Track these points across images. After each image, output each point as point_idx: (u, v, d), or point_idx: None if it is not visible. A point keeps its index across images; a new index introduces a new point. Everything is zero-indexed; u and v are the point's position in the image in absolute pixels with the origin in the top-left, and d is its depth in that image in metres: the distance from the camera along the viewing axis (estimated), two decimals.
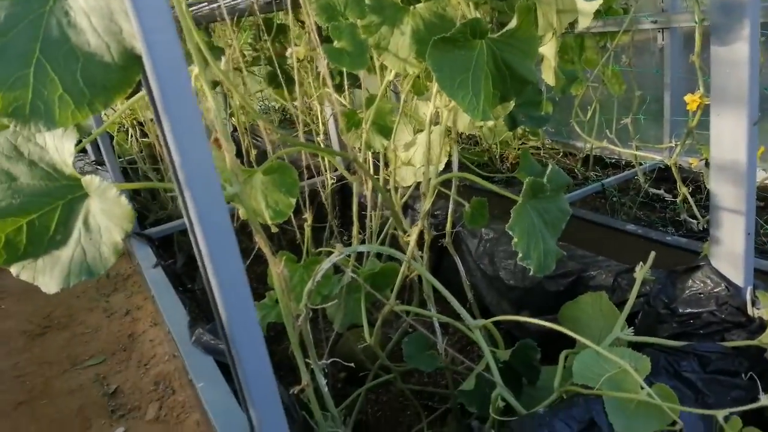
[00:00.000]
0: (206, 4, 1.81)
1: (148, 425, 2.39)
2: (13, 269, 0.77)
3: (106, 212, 0.73)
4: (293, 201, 1.24)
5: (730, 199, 1.13)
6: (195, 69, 0.95)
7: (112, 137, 3.28)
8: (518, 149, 3.18)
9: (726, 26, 1.06)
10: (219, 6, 1.82)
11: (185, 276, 2.71)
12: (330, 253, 1.25)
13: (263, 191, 1.25)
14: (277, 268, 1.04)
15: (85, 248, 0.73)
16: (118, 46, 0.57)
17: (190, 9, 1.89)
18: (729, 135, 1.10)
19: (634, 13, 2.39)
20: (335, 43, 1.18)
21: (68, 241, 0.75)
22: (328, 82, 1.07)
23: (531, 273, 1.11)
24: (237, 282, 0.68)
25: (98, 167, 3.51)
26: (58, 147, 0.77)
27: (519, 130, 3.12)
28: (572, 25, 2.92)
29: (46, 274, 0.75)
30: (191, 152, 0.59)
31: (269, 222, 1.27)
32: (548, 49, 1.33)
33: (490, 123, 1.38)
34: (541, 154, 3.11)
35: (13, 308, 3.73)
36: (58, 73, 0.56)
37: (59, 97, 0.57)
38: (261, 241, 1.03)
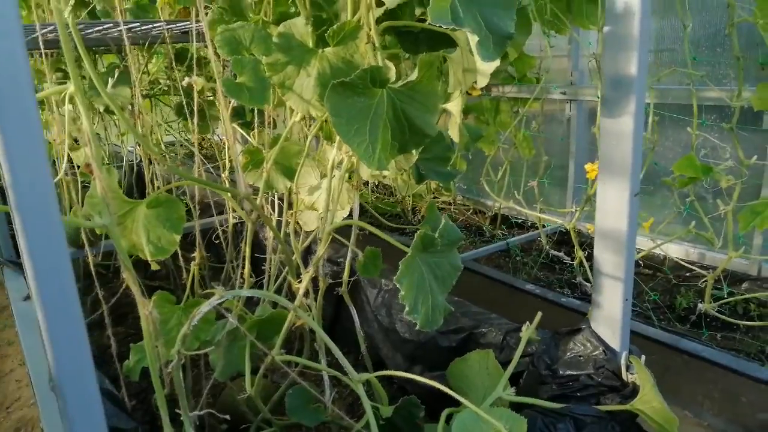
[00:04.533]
0: (114, 26, 1.73)
1: None
2: None
3: None
4: (177, 238, 1.17)
5: (610, 265, 1.17)
6: (71, 87, 0.88)
7: None
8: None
9: (615, 100, 1.12)
10: (129, 30, 1.74)
11: None
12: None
13: (146, 225, 1.17)
14: (146, 309, 0.96)
15: None
16: None
17: (99, 30, 1.80)
18: (612, 204, 1.15)
19: (545, 83, 2.53)
20: (237, 78, 1.14)
21: None
22: (224, 114, 1.02)
23: (417, 327, 1.08)
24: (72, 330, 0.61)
25: None
26: None
27: (433, 185, 3.18)
28: (488, 88, 3.04)
29: None
30: (25, 169, 0.52)
31: (150, 258, 1.18)
32: (454, 106, 1.35)
33: (386, 172, 1.38)
34: (452, 210, 3.17)
35: None
36: None
37: None
38: (129, 278, 0.94)
